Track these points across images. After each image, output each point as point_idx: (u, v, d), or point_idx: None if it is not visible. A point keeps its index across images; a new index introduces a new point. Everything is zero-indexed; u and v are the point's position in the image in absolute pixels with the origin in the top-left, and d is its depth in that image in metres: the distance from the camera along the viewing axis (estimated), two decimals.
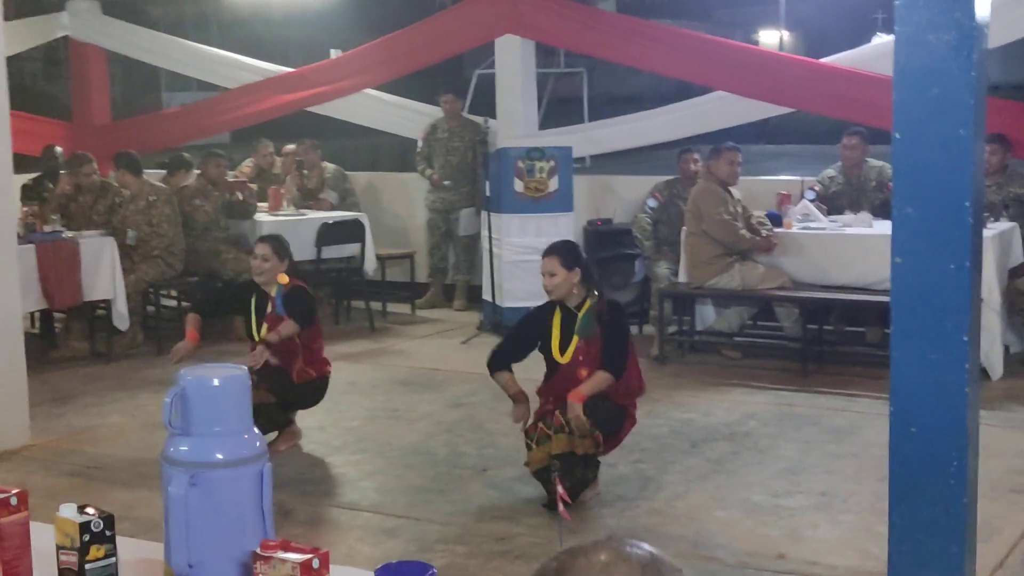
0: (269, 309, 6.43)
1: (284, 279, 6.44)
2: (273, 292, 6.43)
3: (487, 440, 6.51)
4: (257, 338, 6.43)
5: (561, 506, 2.98)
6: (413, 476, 5.98)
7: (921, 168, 4.21)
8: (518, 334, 5.71)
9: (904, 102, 4.23)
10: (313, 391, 6.56)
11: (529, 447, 5.42)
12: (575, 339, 5.41)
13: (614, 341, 5.42)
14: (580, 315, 5.41)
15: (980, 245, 4.37)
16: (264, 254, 6.45)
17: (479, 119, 10.11)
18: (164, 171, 10.04)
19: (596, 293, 5.48)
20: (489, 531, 5.18)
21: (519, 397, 5.52)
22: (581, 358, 5.40)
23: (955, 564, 4.28)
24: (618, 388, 5.43)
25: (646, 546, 1.22)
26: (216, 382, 2.01)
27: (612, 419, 5.42)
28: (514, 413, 5.55)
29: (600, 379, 5.31)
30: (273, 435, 6.37)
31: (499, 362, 5.60)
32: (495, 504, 5.54)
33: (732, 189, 8.10)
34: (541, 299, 10.08)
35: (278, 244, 6.56)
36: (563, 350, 5.45)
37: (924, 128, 4.20)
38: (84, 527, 2.04)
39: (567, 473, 5.23)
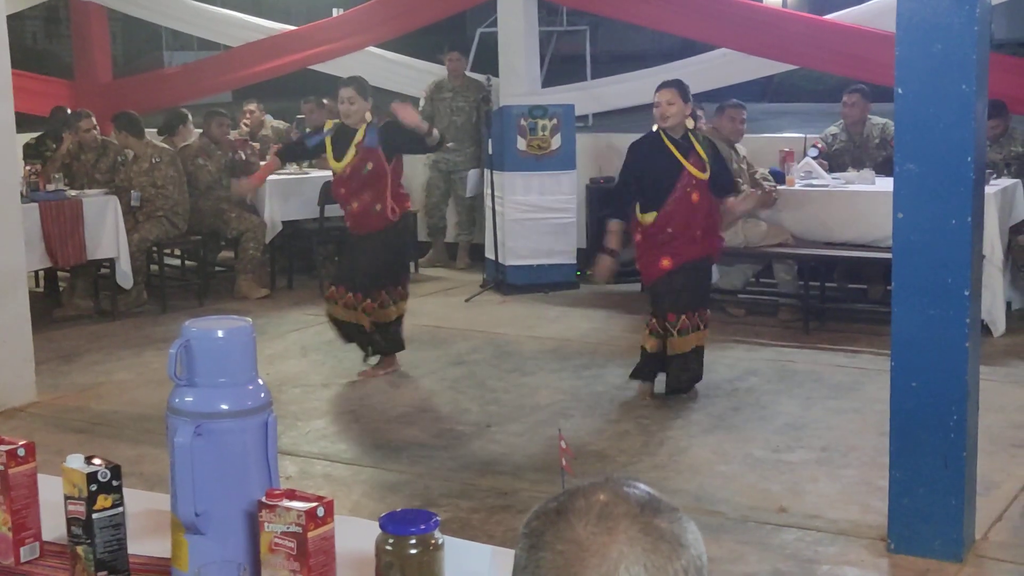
0: (359, 138, 6.62)
1: (370, 117, 6.69)
2: (361, 129, 6.64)
3: (490, 397, 6.54)
4: (339, 166, 6.69)
5: (564, 460, 3.02)
6: (416, 432, 6.02)
7: (923, 124, 4.21)
8: (632, 178, 6.07)
9: (907, 58, 4.23)
10: (401, 236, 6.91)
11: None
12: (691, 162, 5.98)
13: (723, 170, 6.24)
14: (696, 143, 6.00)
15: (982, 201, 4.38)
16: (349, 96, 6.68)
17: (482, 77, 10.08)
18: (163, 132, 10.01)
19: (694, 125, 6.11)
20: (492, 486, 5.22)
21: (615, 253, 6.15)
22: (695, 181, 5.98)
23: (954, 517, 4.31)
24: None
25: (643, 486, 1.24)
26: (220, 334, 2.02)
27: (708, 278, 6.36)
28: (599, 269, 6.23)
29: (750, 198, 6.47)
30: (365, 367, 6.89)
31: (619, 209, 6.13)
32: (498, 460, 5.58)
33: (737, 146, 8.10)
34: (544, 257, 9.94)
35: (360, 85, 6.77)
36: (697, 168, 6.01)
37: (926, 84, 4.19)
38: (91, 477, 2.06)
39: (683, 370, 6.19)
